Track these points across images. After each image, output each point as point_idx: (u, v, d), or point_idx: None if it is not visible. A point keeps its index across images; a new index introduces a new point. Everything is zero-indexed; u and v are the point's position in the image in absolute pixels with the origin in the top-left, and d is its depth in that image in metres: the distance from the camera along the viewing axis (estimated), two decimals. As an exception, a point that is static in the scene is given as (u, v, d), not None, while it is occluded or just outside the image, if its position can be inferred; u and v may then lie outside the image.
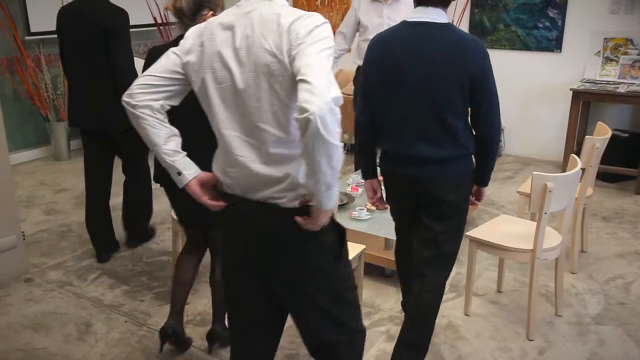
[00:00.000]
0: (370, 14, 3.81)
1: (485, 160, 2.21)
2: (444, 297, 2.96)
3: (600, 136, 3.08)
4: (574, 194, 2.59)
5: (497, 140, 2.16)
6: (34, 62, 5.15)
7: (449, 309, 2.88)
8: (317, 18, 1.45)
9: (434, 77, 2.04)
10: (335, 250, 1.62)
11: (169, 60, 1.59)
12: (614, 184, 4.60)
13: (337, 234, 1.62)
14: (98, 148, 3.29)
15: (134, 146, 2.95)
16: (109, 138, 3.24)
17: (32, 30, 5.13)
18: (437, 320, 2.75)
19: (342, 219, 2.81)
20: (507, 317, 2.81)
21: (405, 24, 2.13)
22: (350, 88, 4.50)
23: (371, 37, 2.35)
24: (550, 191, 2.39)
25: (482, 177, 2.24)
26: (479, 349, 2.57)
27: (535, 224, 2.71)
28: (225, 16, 1.55)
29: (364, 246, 2.58)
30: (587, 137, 3.04)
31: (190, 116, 1.78)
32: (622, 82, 4.67)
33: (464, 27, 5.29)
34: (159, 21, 5.86)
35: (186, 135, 1.69)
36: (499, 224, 2.86)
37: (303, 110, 1.28)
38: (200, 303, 2.95)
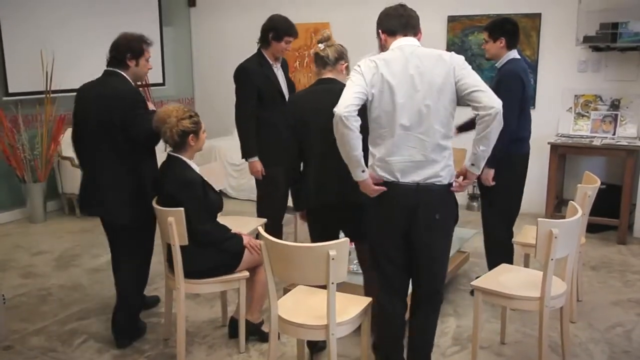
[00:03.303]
0: None
1: None
2: (449, 352, 2.91)
3: (590, 184, 3.16)
4: (576, 241, 2.62)
5: None
6: (11, 122, 5.05)
7: (456, 363, 2.81)
8: (459, 55, 2.27)
9: None
10: (456, 215, 2.40)
11: (358, 88, 2.20)
12: (596, 234, 4.69)
13: (457, 204, 2.39)
14: None
15: None
16: None
17: (10, 90, 5.06)
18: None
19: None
20: (515, 369, 2.75)
21: None
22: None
23: None
24: (555, 237, 2.41)
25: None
26: (492, 404, 2.48)
27: (537, 272, 2.72)
28: (389, 56, 2.26)
29: (370, 299, 2.52)
30: (579, 185, 3.11)
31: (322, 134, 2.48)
32: (595, 136, 4.87)
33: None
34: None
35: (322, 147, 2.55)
36: (500, 273, 2.84)
37: (490, 107, 2.14)
38: (196, 366, 2.80)
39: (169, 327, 3.05)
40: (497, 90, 2.95)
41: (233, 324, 3.02)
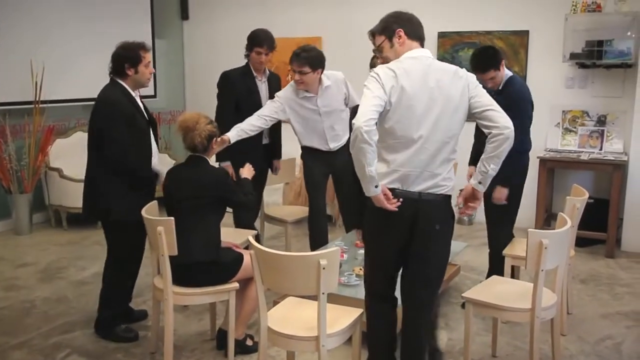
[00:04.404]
0: (304, 107, 3.77)
1: None
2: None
3: (578, 197, 3.18)
4: (566, 252, 2.62)
5: None
6: (-1, 132, 5.00)
7: (447, 376, 2.78)
8: (472, 74, 2.33)
9: None
10: (452, 228, 2.40)
11: (377, 100, 2.18)
12: (584, 248, 4.71)
13: (454, 217, 2.38)
14: None
15: None
16: None
17: (-2, 100, 5.01)
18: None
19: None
20: (506, 382, 2.73)
21: None
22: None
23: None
24: (545, 248, 2.42)
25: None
26: (483, 417, 2.46)
27: (527, 283, 2.72)
28: (408, 65, 2.23)
29: (361, 310, 2.50)
30: (568, 197, 3.14)
31: None
32: (583, 151, 4.93)
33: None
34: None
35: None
36: (491, 285, 2.84)
37: (505, 128, 2.20)
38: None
39: (156, 341, 2.99)
40: (511, 112, 3.06)
41: (221, 335, 2.98)
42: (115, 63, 3.04)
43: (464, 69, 2.31)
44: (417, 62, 2.26)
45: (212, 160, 3.15)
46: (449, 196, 2.32)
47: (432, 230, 2.27)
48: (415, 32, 2.33)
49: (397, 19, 2.34)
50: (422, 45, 2.34)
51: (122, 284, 3.20)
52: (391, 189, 2.24)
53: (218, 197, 2.84)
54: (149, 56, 3.10)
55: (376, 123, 2.16)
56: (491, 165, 2.24)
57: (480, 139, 2.59)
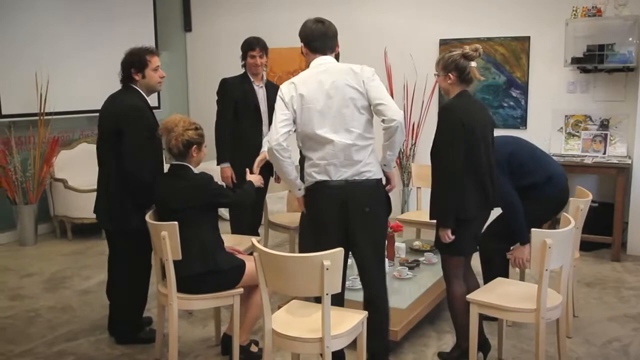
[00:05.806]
0: None
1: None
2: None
3: (582, 198, 3.17)
4: (570, 252, 2.61)
5: None
6: (4, 144, 5.03)
7: (453, 379, 2.76)
8: (370, 68, 2.54)
9: None
10: (385, 208, 2.63)
11: (282, 117, 2.49)
12: (590, 252, 4.69)
13: (389, 198, 2.66)
14: None
15: None
16: None
17: (4, 112, 5.05)
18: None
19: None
20: (513, 385, 2.71)
21: None
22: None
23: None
24: (549, 247, 2.41)
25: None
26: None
27: (533, 285, 2.71)
28: (307, 75, 2.54)
29: (366, 312, 2.49)
30: (571, 199, 3.13)
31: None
32: (587, 155, 4.92)
33: (433, 107, 5.54)
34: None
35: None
36: (495, 286, 2.83)
37: (392, 120, 2.43)
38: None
39: (161, 347, 2.98)
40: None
41: (226, 340, 2.97)
42: (122, 69, 3.02)
43: (360, 65, 2.53)
44: (314, 69, 2.56)
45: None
46: (378, 180, 2.56)
47: (362, 213, 2.51)
48: (314, 46, 2.59)
49: (303, 33, 2.62)
50: (329, 52, 2.58)
51: (143, 287, 3.17)
52: (321, 181, 2.52)
53: (206, 204, 2.77)
54: (156, 60, 3.05)
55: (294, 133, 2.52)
56: (388, 152, 2.55)
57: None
